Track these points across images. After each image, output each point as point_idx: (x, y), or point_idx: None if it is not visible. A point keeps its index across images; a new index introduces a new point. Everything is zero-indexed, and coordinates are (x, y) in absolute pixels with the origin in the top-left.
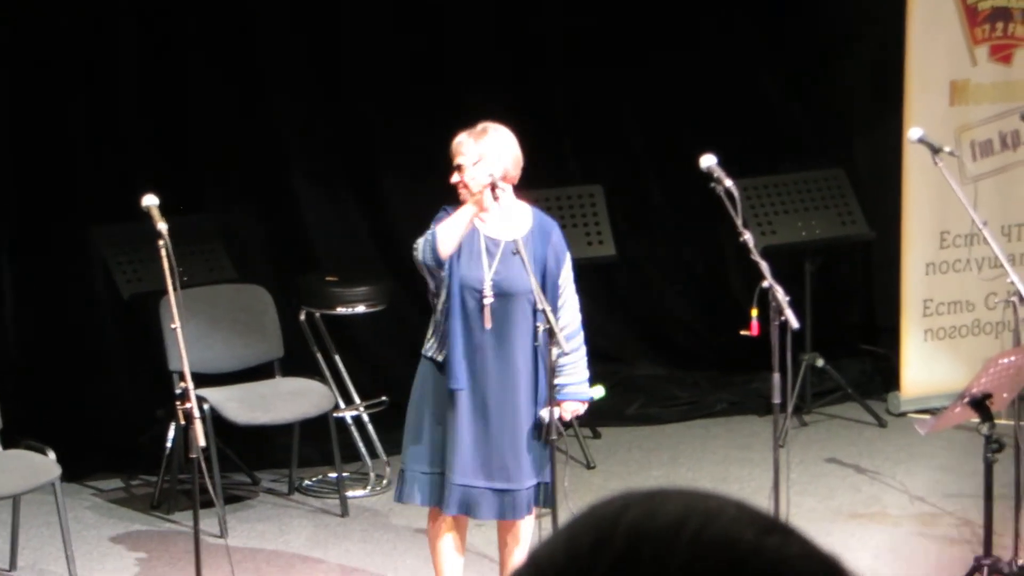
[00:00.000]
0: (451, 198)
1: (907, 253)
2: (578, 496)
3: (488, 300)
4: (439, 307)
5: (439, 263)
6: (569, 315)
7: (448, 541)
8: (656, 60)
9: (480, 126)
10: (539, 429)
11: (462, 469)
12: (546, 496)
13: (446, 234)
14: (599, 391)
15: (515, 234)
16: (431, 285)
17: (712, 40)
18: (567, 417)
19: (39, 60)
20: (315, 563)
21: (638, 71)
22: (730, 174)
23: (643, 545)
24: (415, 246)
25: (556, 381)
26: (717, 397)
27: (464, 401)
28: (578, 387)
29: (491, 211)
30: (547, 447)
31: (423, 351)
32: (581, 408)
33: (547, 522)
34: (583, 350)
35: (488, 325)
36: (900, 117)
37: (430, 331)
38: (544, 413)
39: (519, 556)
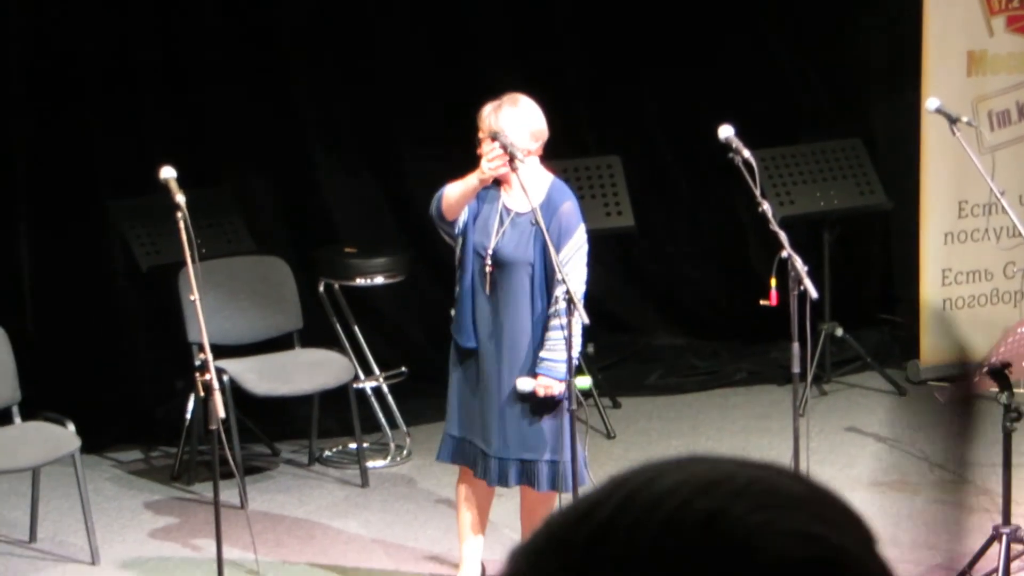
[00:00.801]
0: (471, 168)
1: (925, 223)
2: (598, 465)
3: (488, 268)
4: (456, 264)
5: (443, 218)
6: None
7: (466, 504)
8: (674, 31)
9: (502, 98)
10: (541, 403)
11: (456, 421)
12: (557, 476)
13: (450, 196)
14: (584, 381)
15: (530, 206)
16: (450, 241)
17: (730, 11)
18: (540, 393)
19: (56, 34)
20: (335, 533)
21: (656, 42)
22: (748, 145)
23: (624, 516)
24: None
25: (540, 354)
26: (737, 367)
27: (465, 360)
28: (557, 365)
29: (511, 182)
30: (559, 422)
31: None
32: (555, 387)
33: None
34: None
35: (487, 292)
36: (918, 87)
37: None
38: (522, 383)
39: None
